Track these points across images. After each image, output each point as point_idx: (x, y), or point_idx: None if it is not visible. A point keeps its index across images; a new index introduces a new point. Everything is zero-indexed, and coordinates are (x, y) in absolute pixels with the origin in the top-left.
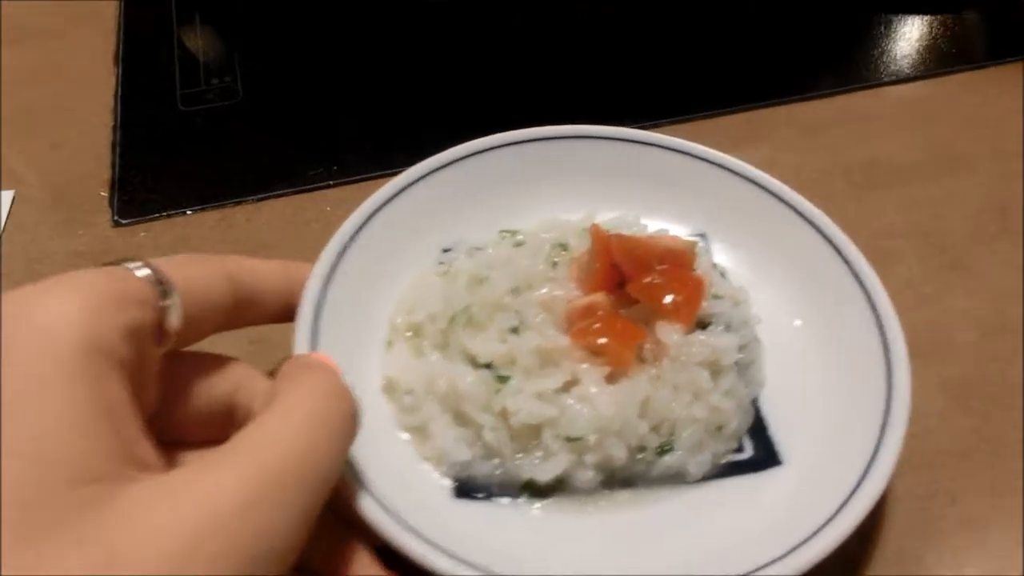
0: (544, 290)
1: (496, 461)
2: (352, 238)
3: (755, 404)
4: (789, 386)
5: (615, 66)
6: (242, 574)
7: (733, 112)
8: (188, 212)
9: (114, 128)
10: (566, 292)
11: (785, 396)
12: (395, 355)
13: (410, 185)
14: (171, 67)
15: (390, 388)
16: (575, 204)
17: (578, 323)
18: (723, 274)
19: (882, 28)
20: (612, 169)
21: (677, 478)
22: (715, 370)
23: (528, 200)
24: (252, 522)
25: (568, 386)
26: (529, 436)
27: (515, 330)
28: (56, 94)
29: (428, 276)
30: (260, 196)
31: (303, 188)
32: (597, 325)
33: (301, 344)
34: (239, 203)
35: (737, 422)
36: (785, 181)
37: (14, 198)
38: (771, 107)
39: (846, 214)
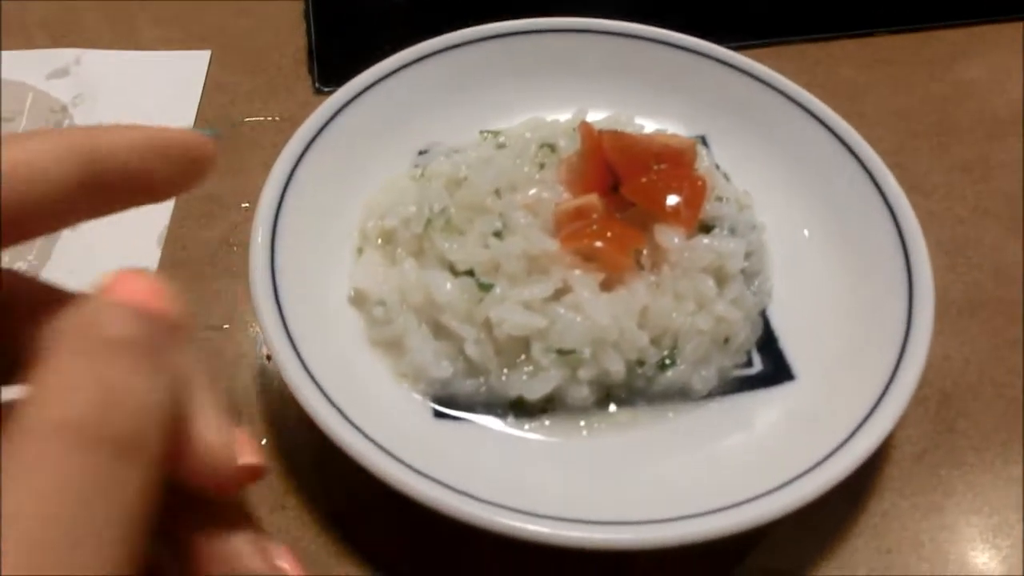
0: (530, 192)
1: (480, 378)
2: (315, 138)
3: (764, 316)
4: (800, 298)
5: None
6: None
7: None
8: None
9: None
10: (554, 195)
11: (795, 309)
12: (365, 263)
13: (381, 80)
14: None
15: (359, 299)
16: (563, 104)
17: (568, 226)
18: (726, 177)
19: None
20: (604, 66)
21: (681, 394)
22: (720, 277)
23: (512, 99)
24: None
25: (559, 294)
26: (516, 349)
27: (498, 234)
28: None
29: (402, 179)
30: None
31: None
32: (590, 228)
33: (256, 254)
34: None
35: (745, 334)
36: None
37: (211, 58)
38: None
39: None
